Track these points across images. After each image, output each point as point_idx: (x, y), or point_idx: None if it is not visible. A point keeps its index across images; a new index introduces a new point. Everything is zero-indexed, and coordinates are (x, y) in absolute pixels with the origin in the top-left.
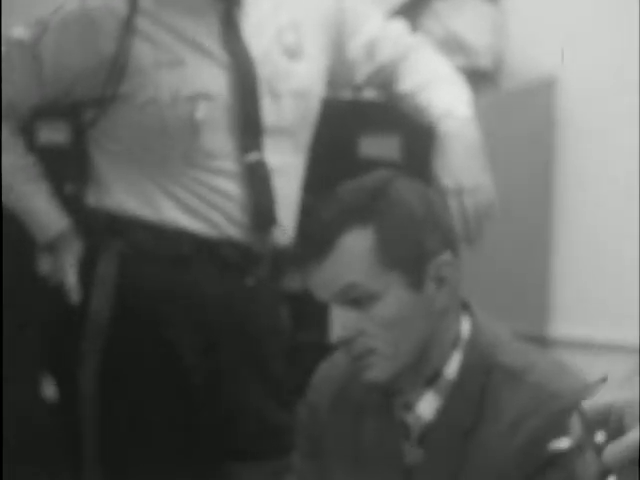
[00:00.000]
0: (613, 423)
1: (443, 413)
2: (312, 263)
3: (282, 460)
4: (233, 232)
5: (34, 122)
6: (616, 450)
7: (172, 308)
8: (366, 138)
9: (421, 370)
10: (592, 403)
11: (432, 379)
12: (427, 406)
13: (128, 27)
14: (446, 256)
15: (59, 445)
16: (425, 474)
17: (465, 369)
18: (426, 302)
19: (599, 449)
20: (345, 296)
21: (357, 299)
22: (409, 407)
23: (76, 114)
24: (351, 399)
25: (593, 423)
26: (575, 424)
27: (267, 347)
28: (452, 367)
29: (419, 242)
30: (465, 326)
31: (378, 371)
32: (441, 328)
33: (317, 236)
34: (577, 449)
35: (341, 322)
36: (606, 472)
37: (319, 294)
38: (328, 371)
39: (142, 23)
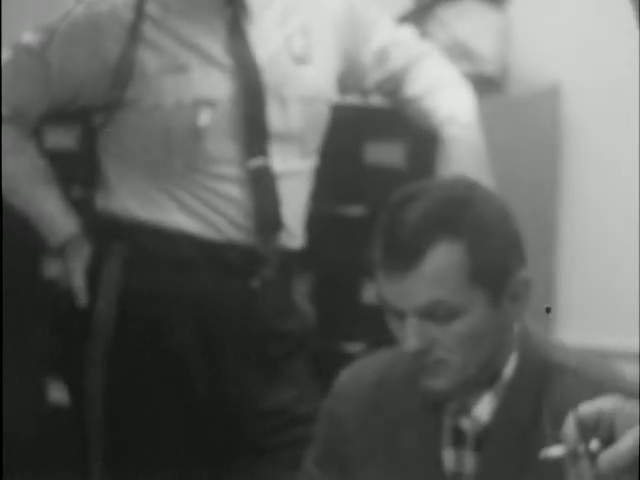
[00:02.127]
0: (603, 430)
1: (499, 412)
2: (397, 272)
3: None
4: (236, 235)
5: (42, 126)
6: (610, 457)
7: (176, 311)
8: (371, 144)
9: (481, 378)
10: (582, 410)
11: (490, 382)
12: (484, 408)
13: (133, 33)
14: (524, 273)
15: (63, 447)
16: (482, 478)
17: (520, 367)
18: (501, 318)
19: (594, 457)
20: (429, 311)
21: (439, 314)
22: (466, 411)
23: (84, 119)
24: (384, 409)
25: (588, 430)
26: (570, 431)
27: (274, 349)
28: (509, 368)
29: (505, 260)
30: (517, 328)
31: (444, 382)
32: (505, 338)
33: (405, 245)
34: (572, 457)
35: (417, 333)
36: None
37: (398, 304)
38: (354, 382)
39: (147, 29)
